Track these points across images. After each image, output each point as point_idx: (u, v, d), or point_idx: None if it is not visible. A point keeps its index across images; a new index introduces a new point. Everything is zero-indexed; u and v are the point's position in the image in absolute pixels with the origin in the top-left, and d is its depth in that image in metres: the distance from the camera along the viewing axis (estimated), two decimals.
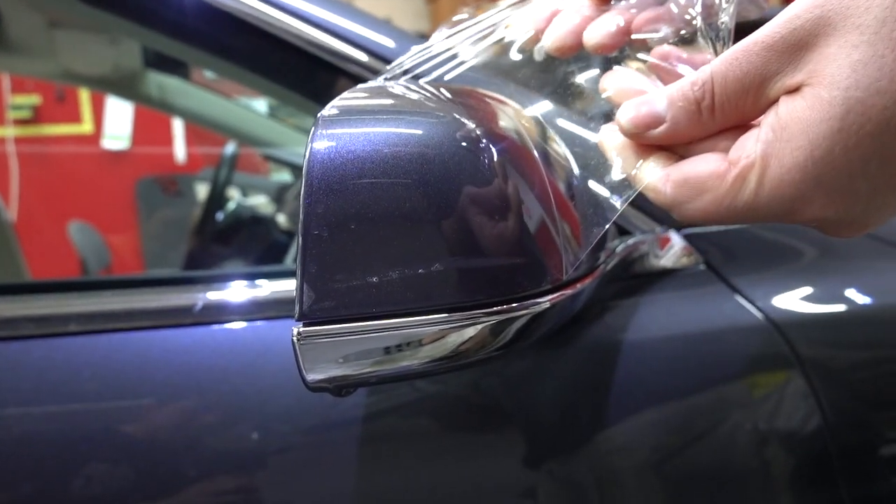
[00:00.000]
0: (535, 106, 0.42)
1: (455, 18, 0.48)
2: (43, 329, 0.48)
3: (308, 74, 0.62)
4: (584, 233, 0.37)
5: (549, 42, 0.39)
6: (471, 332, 0.33)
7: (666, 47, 0.35)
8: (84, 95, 2.79)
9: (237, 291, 0.51)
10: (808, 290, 0.54)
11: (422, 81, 0.45)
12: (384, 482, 0.47)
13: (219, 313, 0.50)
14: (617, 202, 0.33)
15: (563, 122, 0.41)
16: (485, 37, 0.45)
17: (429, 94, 0.37)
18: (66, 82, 2.11)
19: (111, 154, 2.83)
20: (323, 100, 0.59)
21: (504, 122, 0.37)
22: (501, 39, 0.44)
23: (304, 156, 0.31)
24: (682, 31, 0.35)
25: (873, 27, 0.25)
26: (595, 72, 0.39)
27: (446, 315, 0.32)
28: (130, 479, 0.44)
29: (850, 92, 0.26)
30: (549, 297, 0.35)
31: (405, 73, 0.48)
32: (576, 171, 0.39)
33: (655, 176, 0.31)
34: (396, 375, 0.33)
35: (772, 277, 0.55)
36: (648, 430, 0.49)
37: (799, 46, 0.27)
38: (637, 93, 0.33)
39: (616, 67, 0.36)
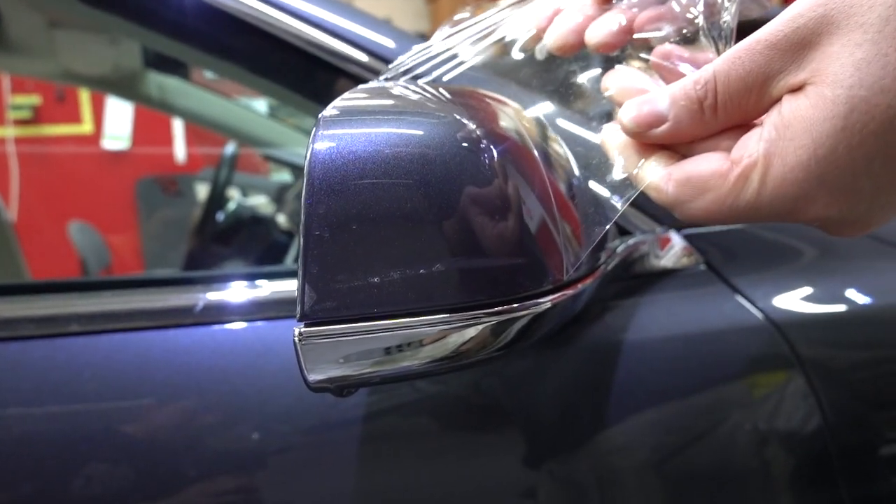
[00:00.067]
0: (536, 106, 0.42)
1: (456, 17, 0.48)
2: (43, 329, 0.48)
3: (308, 75, 0.62)
4: (585, 233, 0.37)
5: (550, 41, 0.39)
6: (472, 332, 0.33)
7: (668, 46, 0.35)
8: (84, 95, 2.79)
9: (237, 292, 0.51)
10: (808, 290, 0.54)
11: (422, 82, 0.45)
12: (385, 482, 0.47)
13: (219, 313, 0.50)
14: (618, 202, 0.33)
15: (564, 122, 0.41)
16: (485, 36, 0.45)
17: (429, 95, 0.37)
18: (66, 82, 2.11)
19: (111, 154, 2.83)
20: (323, 100, 0.59)
21: (505, 123, 0.37)
22: (502, 39, 0.44)
23: (306, 156, 0.31)
24: (684, 30, 0.35)
25: (877, 25, 0.25)
26: (597, 71, 0.39)
27: (447, 315, 0.32)
28: (131, 479, 0.44)
29: (854, 90, 0.26)
30: (550, 297, 0.35)
31: (405, 73, 0.48)
32: (576, 171, 0.40)
33: (657, 175, 0.31)
34: (397, 376, 0.33)
35: (772, 277, 0.55)
36: (649, 430, 0.49)
37: (802, 45, 0.27)
38: (639, 92, 0.33)
39: (618, 66, 0.36)
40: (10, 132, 2.67)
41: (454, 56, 0.46)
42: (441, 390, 0.48)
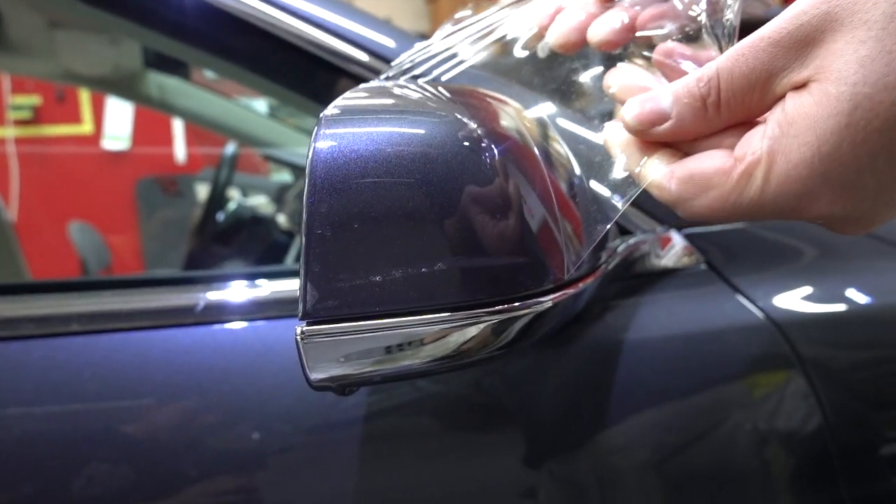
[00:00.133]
0: (538, 105, 0.42)
1: (458, 16, 0.48)
2: (43, 329, 0.48)
3: (309, 74, 0.62)
4: (586, 232, 0.37)
5: (553, 38, 0.39)
6: (473, 331, 0.33)
7: (670, 44, 0.35)
8: (84, 96, 2.79)
9: (238, 291, 0.51)
10: (808, 289, 0.54)
11: (422, 81, 0.45)
12: (385, 482, 0.46)
13: (219, 313, 0.50)
14: (619, 201, 0.33)
15: (565, 121, 0.41)
16: (487, 35, 0.45)
17: (430, 94, 0.37)
18: (66, 82, 2.10)
19: (111, 154, 2.83)
20: (324, 100, 0.59)
21: (505, 122, 0.37)
22: (503, 37, 0.44)
23: (308, 155, 0.31)
24: (687, 28, 0.35)
25: (881, 22, 0.25)
26: (598, 69, 0.39)
27: (449, 314, 0.32)
28: (131, 479, 0.44)
29: (858, 87, 0.25)
30: (551, 296, 0.35)
31: (406, 71, 0.48)
32: (577, 170, 0.39)
33: (660, 173, 0.31)
34: (399, 375, 0.33)
35: (773, 277, 0.55)
36: (649, 430, 0.49)
37: (806, 42, 0.27)
38: (641, 90, 0.33)
39: (620, 64, 0.36)
40: (10, 132, 2.67)
41: (455, 55, 0.46)
42: (442, 389, 0.48)
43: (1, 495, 0.43)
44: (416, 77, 0.47)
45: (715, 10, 0.35)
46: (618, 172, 0.33)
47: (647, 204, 0.57)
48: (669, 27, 0.36)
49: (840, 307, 0.54)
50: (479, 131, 0.33)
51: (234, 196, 1.80)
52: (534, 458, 0.48)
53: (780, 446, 0.50)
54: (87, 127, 2.82)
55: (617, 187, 0.33)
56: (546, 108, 0.42)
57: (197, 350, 0.47)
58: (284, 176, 2.10)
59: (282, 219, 1.63)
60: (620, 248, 0.52)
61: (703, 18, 0.35)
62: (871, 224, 0.29)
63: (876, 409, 0.52)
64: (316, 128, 0.32)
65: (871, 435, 0.52)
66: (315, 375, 0.32)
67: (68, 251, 2.10)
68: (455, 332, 0.32)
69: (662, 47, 0.35)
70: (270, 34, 0.58)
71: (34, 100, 2.74)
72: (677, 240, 0.57)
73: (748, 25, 0.31)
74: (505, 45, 0.44)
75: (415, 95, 0.36)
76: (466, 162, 0.32)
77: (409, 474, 0.47)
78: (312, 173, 0.31)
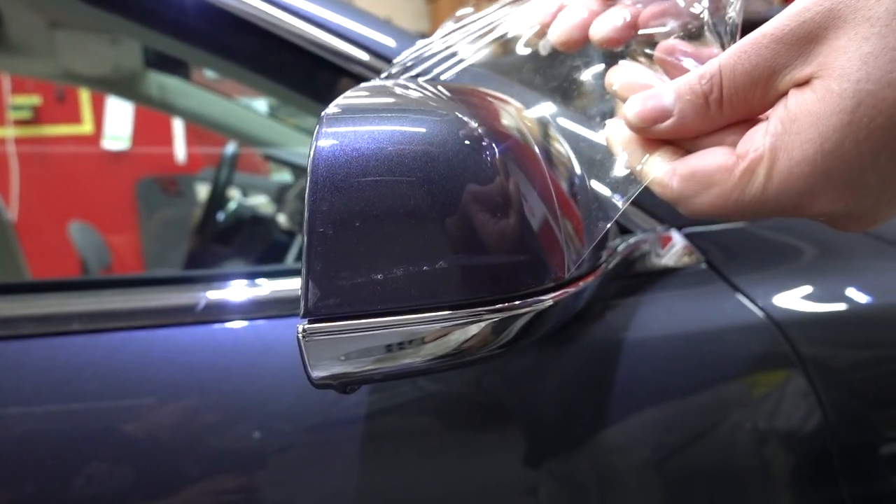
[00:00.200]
0: (539, 103, 0.42)
1: (459, 13, 0.48)
2: (44, 328, 0.48)
3: (309, 74, 0.62)
4: (587, 230, 0.37)
5: (555, 36, 0.39)
6: (474, 329, 0.33)
7: (672, 41, 0.35)
8: (84, 96, 2.79)
9: (238, 290, 0.51)
10: (809, 289, 0.54)
11: (422, 80, 0.45)
12: (386, 481, 0.46)
13: (220, 312, 0.50)
14: (620, 199, 0.33)
15: (567, 119, 0.41)
16: (488, 33, 0.45)
17: (431, 93, 0.37)
18: (67, 82, 2.11)
19: (111, 154, 2.83)
20: (324, 99, 0.59)
21: (506, 121, 0.37)
22: (504, 35, 0.44)
23: (309, 154, 0.31)
24: (689, 26, 0.35)
25: (884, 19, 0.25)
26: (600, 67, 0.39)
27: (450, 312, 0.32)
28: (132, 478, 0.44)
29: (861, 84, 0.25)
30: (552, 294, 0.35)
31: (406, 70, 0.48)
32: (578, 169, 0.40)
33: (662, 170, 0.31)
34: (400, 373, 0.33)
35: (773, 276, 0.55)
36: (649, 429, 0.49)
37: (808, 39, 0.27)
38: (643, 87, 0.32)
39: (622, 62, 0.36)
40: (10, 132, 2.67)
41: (456, 53, 0.46)
42: (442, 388, 0.48)
43: (1, 495, 0.43)
44: (416, 76, 0.47)
45: (717, 7, 0.35)
46: (619, 170, 0.33)
47: (648, 203, 0.57)
48: (672, 25, 0.36)
49: (840, 306, 0.54)
50: (479, 130, 0.33)
51: (235, 196, 1.80)
52: (534, 457, 0.48)
53: (780, 446, 0.50)
54: (87, 127, 2.82)
55: (618, 185, 0.33)
56: (547, 107, 0.42)
57: (197, 349, 0.48)
58: (284, 176, 2.10)
59: (282, 219, 1.63)
60: (621, 248, 0.52)
61: (705, 16, 0.35)
62: (874, 221, 0.29)
63: (876, 408, 0.52)
64: (317, 126, 0.32)
65: (871, 434, 0.52)
66: (316, 373, 0.32)
67: (68, 251, 2.10)
68: (456, 331, 0.32)
69: (664, 45, 0.35)
70: (271, 33, 0.58)
71: (34, 100, 2.74)
72: (677, 239, 0.57)
73: (749, 24, 0.31)
74: (506, 44, 0.44)
75: (415, 94, 0.36)
76: (467, 160, 0.32)
77: (409, 473, 0.47)
78: (314, 171, 0.31)
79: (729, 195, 0.29)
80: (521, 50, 0.43)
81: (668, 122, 0.30)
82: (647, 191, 0.33)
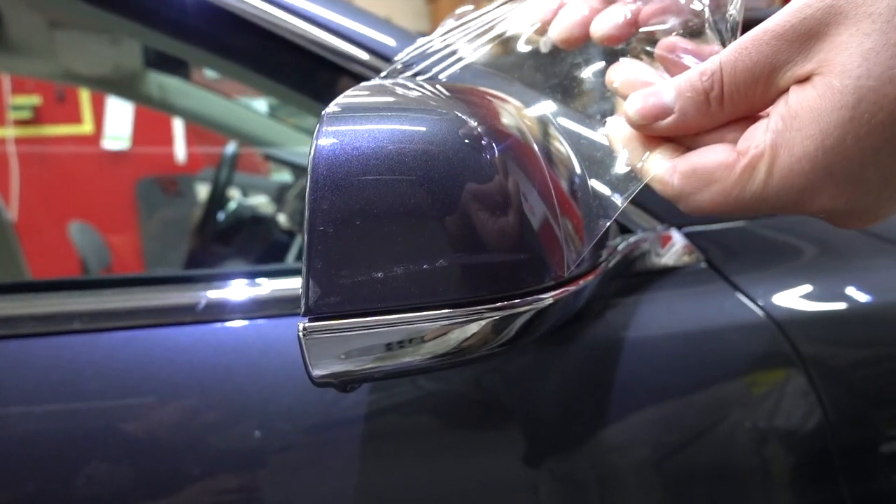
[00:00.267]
0: (538, 102, 0.42)
1: (459, 11, 0.48)
2: (45, 327, 0.48)
3: (310, 73, 0.62)
4: (587, 229, 0.37)
5: (555, 33, 0.39)
6: (474, 327, 0.33)
7: (673, 39, 0.35)
8: (84, 96, 2.79)
9: (238, 290, 0.51)
10: (808, 287, 0.54)
11: (422, 79, 0.45)
12: (386, 480, 0.47)
13: (220, 312, 0.50)
14: (620, 197, 0.33)
15: (567, 117, 0.41)
16: (488, 31, 0.45)
17: (431, 92, 0.37)
18: (67, 82, 2.11)
19: (111, 154, 2.83)
20: (324, 99, 0.59)
21: (506, 120, 0.37)
22: (503, 34, 0.44)
23: (310, 153, 0.31)
24: (690, 23, 0.35)
25: (885, 15, 0.25)
26: (601, 64, 0.39)
27: (450, 311, 0.32)
28: (132, 477, 0.44)
29: (862, 81, 0.25)
30: (552, 293, 0.35)
31: (406, 69, 0.48)
32: (578, 167, 0.40)
33: (662, 167, 0.31)
34: (400, 371, 0.33)
35: (773, 275, 0.55)
36: (649, 428, 0.49)
37: (809, 35, 0.27)
38: (644, 84, 0.32)
39: (623, 59, 0.36)
40: (10, 132, 2.67)
41: (456, 52, 0.46)
42: (442, 387, 0.48)
43: (1, 494, 0.43)
44: (416, 74, 0.47)
45: (718, 5, 0.35)
46: (620, 168, 0.33)
47: (648, 202, 0.57)
48: (672, 22, 0.36)
49: (840, 305, 0.54)
50: (479, 129, 0.33)
51: (235, 196, 1.80)
52: (534, 456, 0.48)
53: (780, 444, 0.50)
54: (87, 127, 2.82)
55: (618, 183, 0.33)
56: (547, 106, 0.42)
57: (198, 348, 0.48)
58: (284, 176, 2.10)
59: (282, 218, 1.63)
60: (621, 247, 0.52)
61: (706, 13, 0.35)
62: (875, 218, 0.29)
63: (876, 406, 0.52)
64: (318, 125, 0.32)
65: (871, 433, 0.52)
66: (317, 372, 0.32)
67: (68, 251, 2.10)
68: (456, 329, 0.33)
69: (665, 42, 0.35)
70: (271, 33, 0.58)
71: (34, 100, 2.74)
72: (677, 238, 0.57)
73: (750, 21, 0.31)
74: (506, 42, 0.44)
75: (415, 93, 0.36)
76: (467, 159, 0.32)
77: (409, 472, 0.47)
78: (314, 170, 0.31)
79: (730, 192, 0.29)
80: (522, 48, 0.43)
81: (669, 120, 0.30)
82: (647, 190, 0.33)
